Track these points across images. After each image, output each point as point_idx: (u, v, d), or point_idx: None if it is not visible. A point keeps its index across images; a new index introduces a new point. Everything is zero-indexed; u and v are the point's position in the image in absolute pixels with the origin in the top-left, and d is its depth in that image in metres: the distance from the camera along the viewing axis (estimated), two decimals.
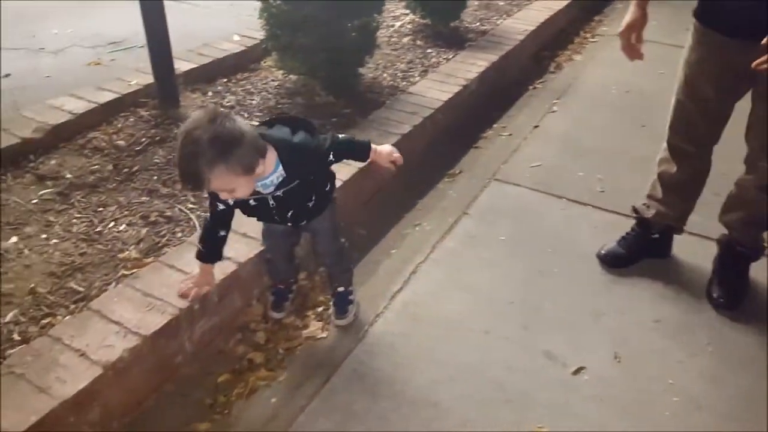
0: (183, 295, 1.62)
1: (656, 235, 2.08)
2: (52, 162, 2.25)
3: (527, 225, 2.33)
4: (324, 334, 1.82)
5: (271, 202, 1.53)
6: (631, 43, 1.76)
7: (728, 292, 1.95)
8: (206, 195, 1.70)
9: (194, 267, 1.72)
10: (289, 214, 1.59)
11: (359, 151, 1.66)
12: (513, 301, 1.96)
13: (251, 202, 1.53)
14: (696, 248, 2.16)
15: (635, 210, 2.11)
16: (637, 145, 2.82)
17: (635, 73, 3.68)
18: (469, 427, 1.55)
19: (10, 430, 1.25)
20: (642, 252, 2.11)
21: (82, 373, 1.38)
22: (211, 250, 1.61)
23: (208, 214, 1.60)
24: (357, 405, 1.60)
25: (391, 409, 1.59)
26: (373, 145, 1.66)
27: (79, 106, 2.50)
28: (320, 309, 1.92)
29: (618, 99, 3.40)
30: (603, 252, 2.13)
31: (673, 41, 1.87)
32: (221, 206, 1.54)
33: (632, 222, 2.14)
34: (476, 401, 1.62)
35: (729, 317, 1.91)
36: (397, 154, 1.70)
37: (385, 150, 1.69)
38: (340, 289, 1.85)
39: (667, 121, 1.94)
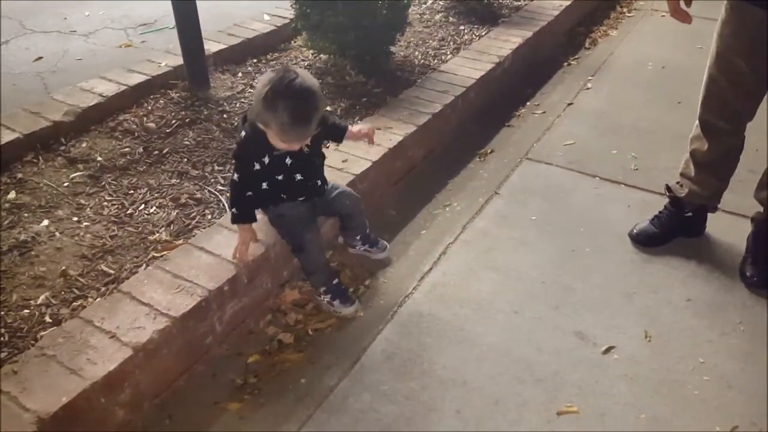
0: (240, 259, 1.67)
1: (689, 214, 2.02)
2: (83, 145, 2.28)
3: (559, 204, 2.27)
4: (359, 314, 1.81)
5: (299, 170, 1.68)
6: (680, 8, 1.71)
7: (762, 270, 1.87)
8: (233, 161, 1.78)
9: (223, 249, 1.74)
10: (313, 177, 1.75)
11: (340, 133, 1.88)
12: (544, 281, 1.92)
13: (287, 160, 1.65)
14: (730, 226, 2.09)
15: (668, 189, 2.04)
16: (673, 123, 2.72)
17: (672, 48, 3.56)
18: (498, 406, 1.53)
19: (42, 410, 1.27)
20: (675, 231, 2.05)
21: (112, 354, 1.40)
22: (246, 210, 1.68)
23: (236, 176, 1.65)
24: (386, 385, 1.59)
25: (419, 388, 1.58)
26: (349, 127, 1.89)
27: (110, 89, 2.52)
28: (350, 290, 1.90)
29: (654, 75, 3.27)
30: (635, 231, 2.08)
31: (712, 15, 1.78)
32: (257, 166, 1.63)
33: (666, 201, 2.07)
34: (506, 381, 1.60)
35: (763, 295, 1.84)
36: (366, 131, 1.92)
37: (357, 129, 1.91)
38: (368, 231, 1.98)
39: (700, 97, 1.86)
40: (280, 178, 1.68)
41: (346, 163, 2.13)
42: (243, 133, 1.66)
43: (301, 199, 1.75)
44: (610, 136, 2.69)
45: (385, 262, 2.01)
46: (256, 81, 2.82)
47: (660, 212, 2.07)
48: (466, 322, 1.78)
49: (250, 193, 1.67)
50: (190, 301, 1.55)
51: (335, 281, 1.84)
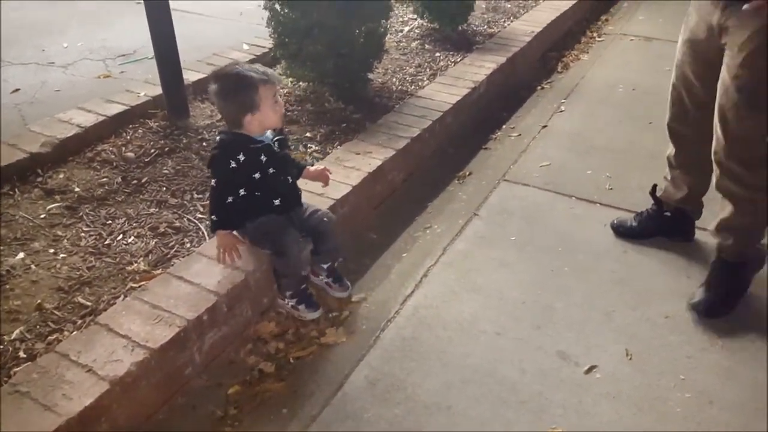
0: (224, 262, 1.74)
1: (668, 214, 2.10)
2: (60, 176, 2.26)
3: (537, 225, 2.30)
4: (340, 339, 1.80)
5: (272, 165, 1.72)
6: None
7: (711, 299, 1.86)
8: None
9: (203, 278, 1.72)
10: (286, 173, 1.80)
11: (298, 172, 1.93)
12: (525, 302, 1.93)
13: (262, 157, 1.70)
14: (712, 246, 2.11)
15: (654, 187, 2.13)
16: (645, 142, 2.79)
17: (641, 71, 3.68)
18: (484, 428, 1.52)
19: None
20: (654, 230, 2.14)
21: (88, 389, 1.37)
22: (225, 216, 1.73)
23: (213, 182, 1.72)
24: (369, 412, 1.57)
25: (403, 415, 1.56)
26: (307, 167, 1.96)
27: (88, 119, 2.51)
28: (332, 314, 1.90)
29: (625, 97, 3.36)
30: (616, 222, 2.19)
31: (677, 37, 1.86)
32: (233, 164, 1.66)
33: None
34: (490, 403, 1.59)
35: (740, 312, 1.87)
36: (321, 171, 1.98)
37: (313, 169, 1.98)
38: (336, 263, 1.97)
39: None
40: (256, 176, 1.71)
41: (326, 188, 2.14)
42: (218, 138, 1.72)
43: (276, 202, 1.77)
44: (585, 156, 2.75)
45: (370, 285, 2.01)
46: None
47: (644, 210, 2.17)
48: (449, 344, 1.78)
49: (230, 200, 1.69)
50: (168, 332, 1.53)
51: (303, 286, 1.85)
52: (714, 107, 1.72)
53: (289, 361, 1.75)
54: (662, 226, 2.14)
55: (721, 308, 1.85)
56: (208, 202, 1.87)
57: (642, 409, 1.58)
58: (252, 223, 1.77)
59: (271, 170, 1.74)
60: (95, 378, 1.40)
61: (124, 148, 2.44)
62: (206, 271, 1.75)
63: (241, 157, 1.67)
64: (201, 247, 1.90)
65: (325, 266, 1.94)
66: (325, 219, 1.87)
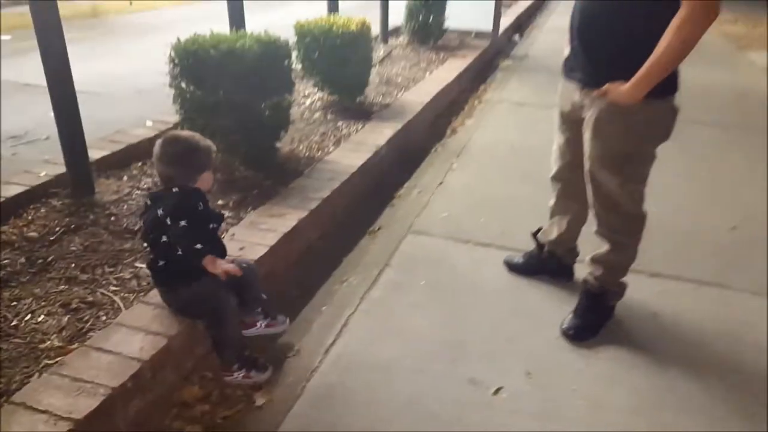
0: (234, 271, 1.80)
1: (546, 255, 2.40)
2: None
3: (443, 269, 2.51)
4: (266, 395, 1.84)
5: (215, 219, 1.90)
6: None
7: (578, 325, 2.13)
8: None
9: (123, 346, 1.72)
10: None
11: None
12: (439, 339, 2.09)
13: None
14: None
15: (537, 230, 2.44)
16: (527, 192, 3.16)
17: (517, 131, 4.18)
18: None
19: None
20: (536, 269, 2.44)
21: None
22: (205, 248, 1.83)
23: (184, 222, 1.75)
24: None
25: None
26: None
27: None
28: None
29: (506, 154, 3.80)
30: (506, 258, 2.52)
31: (548, 103, 2.21)
32: (201, 206, 1.82)
33: None
34: None
35: (613, 326, 2.16)
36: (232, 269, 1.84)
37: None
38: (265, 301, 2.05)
39: None
40: (212, 226, 1.86)
41: (243, 250, 2.22)
42: (175, 190, 1.78)
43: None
44: (477, 207, 3.05)
45: (289, 344, 2.08)
46: (143, 183, 2.87)
47: (531, 250, 2.47)
48: (374, 386, 1.88)
49: (198, 246, 1.73)
50: (92, 402, 1.51)
51: (246, 352, 1.89)
52: (579, 169, 2.06)
53: (217, 422, 1.76)
54: (543, 266, 2.43)
55: (587, 333, 2.12)
56: (178, 237, 1.76)
57: (542, 419, 1.77)
58: (187, 289, 1.80)
59: (213, 225, 1.86)
60: None
61: (25, 229, 2.38)
62: (126, 340, 1.75)
63: (201, 206, 1.80)
64: (119, 317, 1.89)
65: (259, 309, 2.02)
66: (243, 265, 1.92)
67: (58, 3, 2.37)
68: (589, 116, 1.93)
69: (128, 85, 4.73)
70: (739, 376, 1.97)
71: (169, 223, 1.73)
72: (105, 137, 3.19)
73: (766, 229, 2.88)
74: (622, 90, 1.78)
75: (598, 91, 1.85)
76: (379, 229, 2.88)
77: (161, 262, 1.81)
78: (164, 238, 1.75)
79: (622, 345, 2.09)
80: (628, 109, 1.81)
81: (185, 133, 1.92)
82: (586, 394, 1.87)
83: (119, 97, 4.47)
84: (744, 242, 2.81)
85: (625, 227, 2.03)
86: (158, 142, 1.82)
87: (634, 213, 2.00)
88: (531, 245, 2.48)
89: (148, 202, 1.83)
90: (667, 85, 1.78)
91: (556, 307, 2.26)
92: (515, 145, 3.94)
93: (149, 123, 3.48)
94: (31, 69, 4.79)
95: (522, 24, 8.96)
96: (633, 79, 1.74)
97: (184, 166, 1.79)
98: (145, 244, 1.87)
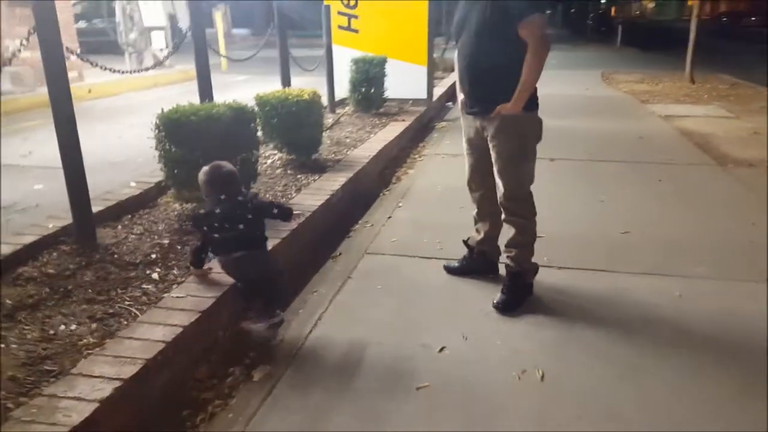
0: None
1: (475, 256, 3.05)
2: None
3: (394, 277, 3.11)
4: (260, 375, 2.33)
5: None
6: None
7: (505, 299, 2.77)
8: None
9: (149, 335, 2.20)
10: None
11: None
12: (394, 322, 2.66)
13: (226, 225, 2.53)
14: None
15: (467, 239, 3.08)
16: (459, 219, 3.75)
17: (451, 176, 4.95)
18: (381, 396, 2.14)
19: None
20: (469, 267, 3.07)
21: (83, 407, 1.78)
22: (199, 263, 2.69)
23: (199, 243, 2.65)
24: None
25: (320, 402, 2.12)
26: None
27: (6, 249, 2.87)
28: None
29: (442, 193, 4.53)
30: (445, 264, 3.14)
31: None
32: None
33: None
34: (382, 381, 2.23)
35: (533, 301, 2.81)
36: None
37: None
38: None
39: None
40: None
41: (220, 275, 2.73)
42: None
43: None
44: (420, 232, 3.70)
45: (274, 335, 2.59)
46: (135, 230, 3.36)
47: (464, 255, 3.11)
48: (346, 356, 2.41)
49: (203, 256, 2.59)
50: (133, 368, 1.99)
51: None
52: (489, 176, 2.77)
53: (224, 391, 2.23)
54: (474, 265, 3.08)
55: (512, 306, 2.76)
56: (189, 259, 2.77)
57: (474, 364, 2.35)
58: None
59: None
60: (85, 402, 1.79)
61: (44, 267, 2.83)
62: (150, 330, 2.24)
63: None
64: (139, 318, 2.36)
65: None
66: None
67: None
68: (491, 133, 2.68)
69: (102, 160, 5.23)
70: (622, 330, 2.61)
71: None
72: (97, 197, 3.66)
73: (648, 234, 3.65)
74: (508, 106, 2.58)
75: (495, 112, 2.61)
76: (340, 254, 3.45)
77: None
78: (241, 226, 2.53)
79: (537, 313, 2.72)
80: (514, 120, 2.60)
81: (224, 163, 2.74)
82: (509, 346, 2.47)
83: (96, 169, 4.87)
84: (632, 242, 3.55)
85: (523, 210, 2.75)
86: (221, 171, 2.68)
87: (526, 197, 2.74)
88: (454, 254, 3.15)
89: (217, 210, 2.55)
90: (533, 102, 2.63)
91: (487, 293, 2.87)
92: (450, 186, 4.65)
93: (133, 184, 4.00)
94: (11, 152, 5.29)
95: (454, 92, 10.08)
96: (513, 98, 2.56)
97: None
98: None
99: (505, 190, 2.72)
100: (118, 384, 1.89)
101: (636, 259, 3.29)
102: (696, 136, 6.43)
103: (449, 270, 3.12)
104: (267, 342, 2.52)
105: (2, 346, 2.21)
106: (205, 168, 2.66)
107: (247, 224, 2.54)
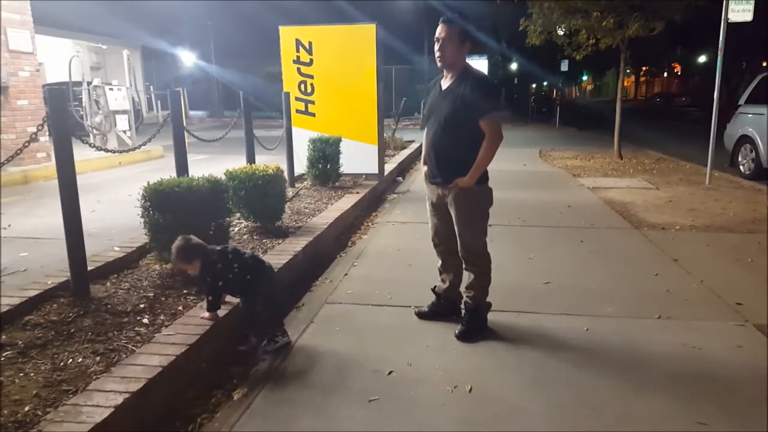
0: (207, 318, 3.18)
1: (442, 302, 3.68)
2: (3, 337, 3.00)
3: (351, 321, 3.68)
4: (240, 394, 2.81)
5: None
6: None
7: (464, 330, 3.43)
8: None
9: (149, 361, 2.67)
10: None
11: None
12: (351, 355, 3.22)
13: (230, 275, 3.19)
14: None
15: (434, 287, 3.71)
16: (407, 275, 4.50)
17: (402, 239, 5.68)
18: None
19: None
20: (437, 313, 3.66)
21: (102, 412, 2.24)
22: (215, 306, 3.22)
23: (210, 298, 3.23)
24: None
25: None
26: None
27: (12, 301, 3.30)
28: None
29: (393, 254, 5.18)
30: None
31: (424, 220, 3.71)
32: (222, 284, 3.22)
33: (411, 310, 3.78)
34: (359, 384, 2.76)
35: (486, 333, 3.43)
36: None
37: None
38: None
39: None
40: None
41: (204, 317, 3.25)
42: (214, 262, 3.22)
43: None
44: (373, 286, 4.31)
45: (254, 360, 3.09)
46: (122, 286, 3.83)
47: (432, 301, 3.70)
48: (312, 383, 2.93)
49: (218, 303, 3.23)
50: (138, 384, 2.45)
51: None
52: (451, 233, 3.45)
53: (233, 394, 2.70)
54: (440, 309, 3.68)
55: (470, 335, 3.38)
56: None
57: (418, 384, 2.91)
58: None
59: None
60: (102, 408, 2.26)
61: (47, 316, 3.27)
62: (149, 361, 2.71)
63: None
64: (139, 349, 2.84)
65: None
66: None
67: None
68: (450, 199, 3.38)
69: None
70: (543, 352, 3.24)
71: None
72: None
73: (566, 283, 4.39)
74: (464, 180, 3.28)
75: (454, 183, 3.32)
76: (303, 305, 4.01)
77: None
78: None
79: (470, 344, 3.33)
80: (469, 190, 3.30)
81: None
82: (445, 369, 3.06)
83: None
84: (552, 290, 4.26)
85: (480, 261, 3.42)
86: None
87: (483, 252, 3.43)
88: (402, 302, 3.79)
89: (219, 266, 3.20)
90: (484, 176, 3.35)
91: (428, 332, 3.48)
92: (401, 248, 5.33)
93: (116, 248, 4.48)
94: None
95: (404, 168, 11.01)
96: (469, 173, 3.26)
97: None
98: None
99: (464, 244, 3.40)
100: (127, 395, 2.36)
101: (554, 303, 3.97)
102: (618, 204, 7.36)
103: (420, 315, 3.69)
104: (273, 361, 3.10)
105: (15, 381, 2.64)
106: (179, 242, 3.28)
107: (242, 261, 3.25)
